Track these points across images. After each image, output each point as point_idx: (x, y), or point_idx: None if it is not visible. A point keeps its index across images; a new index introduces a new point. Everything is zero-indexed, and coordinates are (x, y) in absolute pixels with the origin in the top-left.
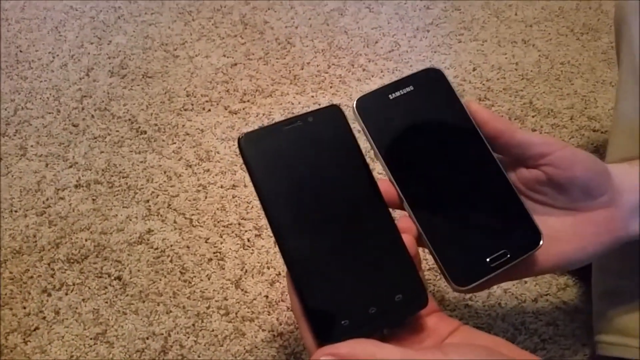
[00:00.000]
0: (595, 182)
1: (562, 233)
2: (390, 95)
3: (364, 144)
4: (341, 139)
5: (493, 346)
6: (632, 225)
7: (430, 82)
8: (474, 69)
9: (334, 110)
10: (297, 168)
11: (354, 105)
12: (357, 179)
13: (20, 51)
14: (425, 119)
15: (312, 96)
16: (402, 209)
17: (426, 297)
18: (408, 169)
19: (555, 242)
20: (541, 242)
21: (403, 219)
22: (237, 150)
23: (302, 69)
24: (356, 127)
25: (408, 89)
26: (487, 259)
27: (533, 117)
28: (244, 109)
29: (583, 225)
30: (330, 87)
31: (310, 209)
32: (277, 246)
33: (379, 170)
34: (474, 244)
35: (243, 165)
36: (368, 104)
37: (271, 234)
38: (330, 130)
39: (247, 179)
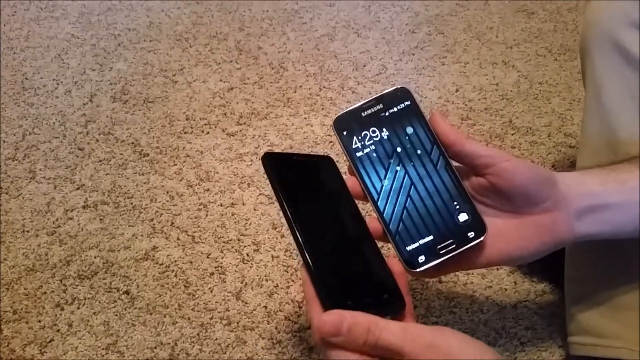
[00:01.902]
0: (535, 191)
1: (506, 232)
2: (362, 113)
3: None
4: (334, 183)
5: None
6: (577, 227)
7: (397, 99)
8: (457, 90)
9: (329, 161)
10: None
11: (332, 124)
12: (350, 206)
13: (26, 78)
14: (391, 132)
15: (305, 118)
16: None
17: (403, 303)
18: (376, 173)
19: (499, 240)
20: (483, 236)
21: (371, 220)
22: (236, 170)
23: (295, 92)
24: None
25: (378, 107)
26: (437, 247)
27: (512, 134)
28: (240, 131)
29: (526, 226)
30: (322, 109)
31: (322, 222)
32: (298, 242)
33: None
34: (427, 234)
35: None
36: (344, 122)
37: (269, 249)
38: (326, 173)
39: (245, 197)
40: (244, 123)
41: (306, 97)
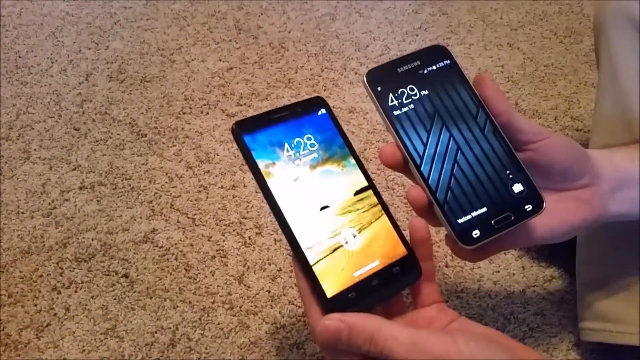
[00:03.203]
0: (573, 167)
1: (547, 208)
2: (398, 69)
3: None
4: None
5: (490, 336)
6: (611, 205)
7: (436, 57)
8: None
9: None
10: None
11: (364, 78)
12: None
13: (19, 57)
14: (431, 91)
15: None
16: (409, 173)
17: (420, 270)
18: (417, 135)
19: (541, 216)
20: (542, 209)
21: (413, 189)
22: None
23: (296, 72)
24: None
25: (416, 63)
26: (492, 221)
27: (537, 126)
28: (241, 111)
29: (566, 201)
30: (324, 90)
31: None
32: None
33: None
34: (480, 206)
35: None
36: (377, 76)
37: (271, 232)
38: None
39: (246, 179)
40: (244, 104)
41: (307, 77)
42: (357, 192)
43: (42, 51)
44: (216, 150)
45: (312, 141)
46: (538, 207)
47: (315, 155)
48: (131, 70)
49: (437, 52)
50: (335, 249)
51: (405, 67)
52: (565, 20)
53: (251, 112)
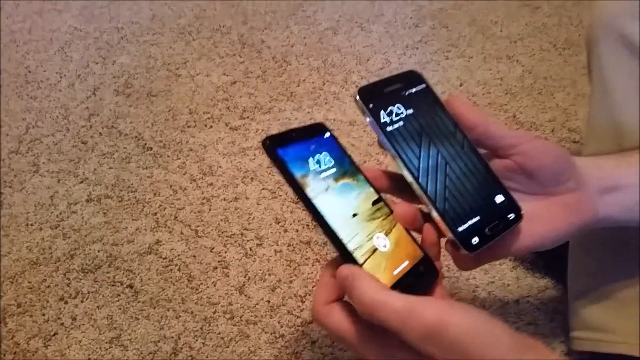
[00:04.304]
0: (560, 169)
1: (535, 215)
2: (384, 89)
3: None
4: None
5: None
6: (600, 209)
7: (413, 81)
8: (461, 85)
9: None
10: None
11: (357, 96)
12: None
13: (29, 72)
14: (415, 110)
15: (308, 112)
16: (400, 192)
17: (437, 269)
18: (410, 149)
19: (530, 223)
20: (522, 218)
21: (400, 206)
22: (240, 165)
23: (299, 86)
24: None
25: (398, 85)
26: (486, 229)
27: (516, 129)
28: (244, 125)
29: (554, 207)
30: (325, 103)
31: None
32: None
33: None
34: (474, 215)
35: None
36: (368, 95)
37: (272, 243)
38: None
39: (248, 191)
40: (247, 117)
41: (309, 91)
42: (374, 203)
43: (51, 66)
44: (219, 163)
45: (329, 158)
46: (518, 216)
47: (335, 169)
48: (137, 85)
49: (414, 77)
50: (373, 251)
51: (390, 88)
52: (565, 32)
53: (254, 125)
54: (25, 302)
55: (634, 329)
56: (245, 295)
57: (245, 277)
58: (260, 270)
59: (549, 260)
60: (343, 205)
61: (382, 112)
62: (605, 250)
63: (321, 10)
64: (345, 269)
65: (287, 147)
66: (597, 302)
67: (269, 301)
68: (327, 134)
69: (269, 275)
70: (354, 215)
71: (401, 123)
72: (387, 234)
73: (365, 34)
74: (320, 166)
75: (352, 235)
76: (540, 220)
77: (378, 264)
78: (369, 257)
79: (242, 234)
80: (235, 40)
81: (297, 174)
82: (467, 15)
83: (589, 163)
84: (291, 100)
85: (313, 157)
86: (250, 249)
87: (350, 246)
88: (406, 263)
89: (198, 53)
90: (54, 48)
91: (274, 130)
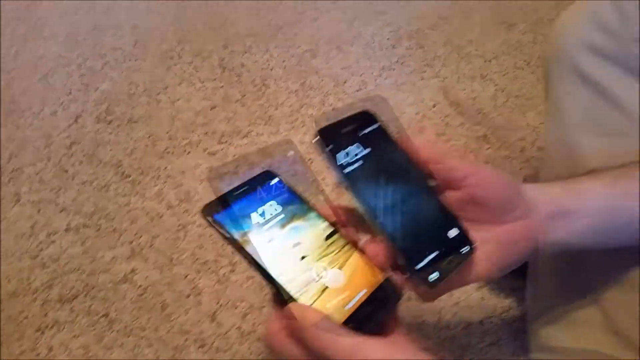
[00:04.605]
0: (509, 196)
1: (487, 244)
2: (341, 130)
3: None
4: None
5: None
6: (549, 233)
7: (367, 121)
8: (434, 106)
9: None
10: None
11: (316, 138)
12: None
13: (13, 101)
14: (372, 149)
15: (285, 135)
16: (353, 227)
17: (400, 291)
18: (369, 190)
19: (483, 253)
20: (474, 250)
21: (371, 245)
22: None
23: (277, 109)
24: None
25: (354, 125)
26: (444, 263)
27: (487, 149)
28: (222, 149)
29: (504, 235)
30: (302, 126)
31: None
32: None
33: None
34: (432, 250)
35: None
36: (326, 136)
37: (245, 269)
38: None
39: None
40: (225, 142)
41: (287, 114)
42: (327, 237)
43: (34, 93)
44: (196, 189)
45: (275, 206)
46: (471, 248)
47: (282, 216)
48: (119, 112)
49: (367, 117)
50: (323, 290)
51: (347, 129)
52: (539, 49)
53: (232, 150)
54: (2, 333)
55: (586, 347)
56: (217, 322)
57: (217, 304)
58: (233, 296)
59: (515, 279)
60: (290, 251)
61: (340, 154)
62: (562, 272)
63: (301, 32)
64: (294, 308)
65: (225, 210)
66: (554, 324)
67: (239, 328)
68: (274, 180)
69: (241, 301)
70: (303, 257)
71: (358, 164)
72: (341, 267)
73: (344, 56)
74: (264, 217)
75: (297, 280)
76: (492, 249)
77: (329, 301)
78: (318, 297)
79: (215, 261)
80: (216, 65)
81: (237, 234)
82: (443, 35)
83: (537, 190)
84: (268, 124)
85: (257, 211)
86: (223, 275)
87: (294, 292)
88: (364, 292)
89: (179, 78)
90: (37, 75)
91: (252, 156)
